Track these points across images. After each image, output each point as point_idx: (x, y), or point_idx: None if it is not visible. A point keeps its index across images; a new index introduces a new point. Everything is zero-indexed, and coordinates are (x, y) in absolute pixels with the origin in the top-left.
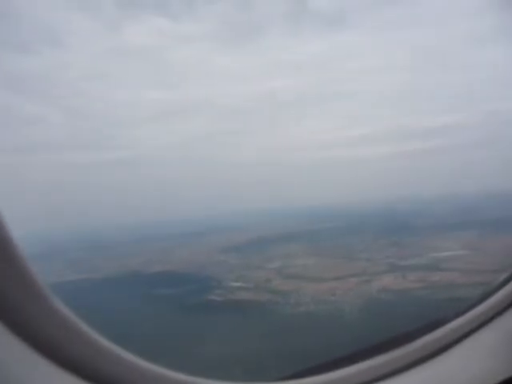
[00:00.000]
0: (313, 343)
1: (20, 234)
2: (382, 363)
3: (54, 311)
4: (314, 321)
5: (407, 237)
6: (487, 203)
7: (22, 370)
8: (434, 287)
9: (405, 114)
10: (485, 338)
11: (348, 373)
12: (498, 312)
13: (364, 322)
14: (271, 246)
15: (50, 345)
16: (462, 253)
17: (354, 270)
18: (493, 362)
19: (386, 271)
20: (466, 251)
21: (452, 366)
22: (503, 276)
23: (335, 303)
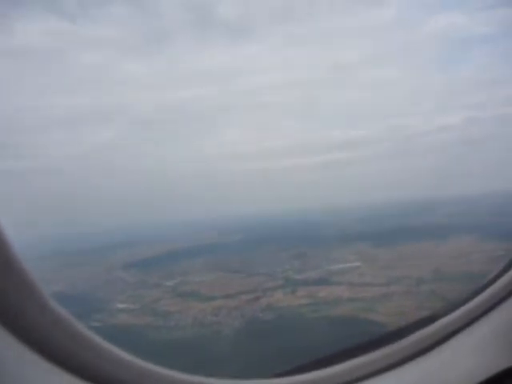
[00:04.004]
0: None
1: None
2: (375, 359)
3: (52, 312)
4: (182, 347)
5: (314, 248)
6: (395, 213)
7: (21, 370)
8: (319, 303)
9: (316, 127)
10: (476, 333)
11: (341, 369)
12: (489, 308)
13: (235, 348)
14: (177, 261)
15: (48, 345)
16: (356, 265)
17: (248, 286)
18: (484, 357)
19: (281, 286)
20: (361, 263)
21: (444, 362)
22: (493, 273)
23: (214, 325)
